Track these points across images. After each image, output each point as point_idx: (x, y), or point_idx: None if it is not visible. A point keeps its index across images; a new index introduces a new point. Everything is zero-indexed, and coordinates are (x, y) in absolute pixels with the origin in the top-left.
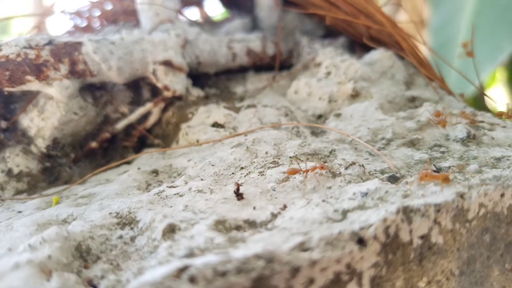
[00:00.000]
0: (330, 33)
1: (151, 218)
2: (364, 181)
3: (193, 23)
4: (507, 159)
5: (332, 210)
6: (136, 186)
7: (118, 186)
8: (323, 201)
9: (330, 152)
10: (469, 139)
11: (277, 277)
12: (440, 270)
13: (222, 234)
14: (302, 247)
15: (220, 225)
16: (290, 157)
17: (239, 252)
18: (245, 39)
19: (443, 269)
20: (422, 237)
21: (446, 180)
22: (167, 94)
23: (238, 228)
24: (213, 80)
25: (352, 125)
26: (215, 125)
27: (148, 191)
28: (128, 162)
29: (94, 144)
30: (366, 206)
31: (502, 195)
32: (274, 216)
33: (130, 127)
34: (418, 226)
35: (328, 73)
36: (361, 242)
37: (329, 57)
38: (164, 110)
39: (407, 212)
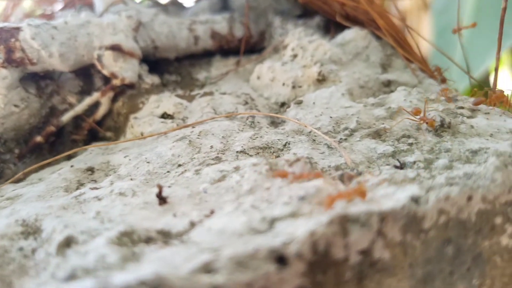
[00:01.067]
0: (306, 12)
1: (53, 227)
2: (310, 180)
3: (155, 4)
4: (485, 152)
5: (259, 218)
6: (64, 187)
7: (44, 187)
8: (252, 206)
9: (284, 145)
10: (443, 128)
11: None
12: None
13: (121, 250)
14: (207, 268)
15: (126, 237)
16: (237, 151)
17: (121, 278)
18: (209, 20)
19: None
20: (361, 252)
21: (362, 194)
22: (116, 82)
23: (148, 240)
24: (175, 66)
25: (313, 113)
26: (164, 115)
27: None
28: (71, 157)
29: (39, 139)
30: (299, 213)
31: (469, 198)
32: (193, 225)
33: (79, 119)
34: (356, 239)
35: (295, 56)
36: (281, 261)
37: (297, 38)
38: (114, 100)
39: (343, 223)
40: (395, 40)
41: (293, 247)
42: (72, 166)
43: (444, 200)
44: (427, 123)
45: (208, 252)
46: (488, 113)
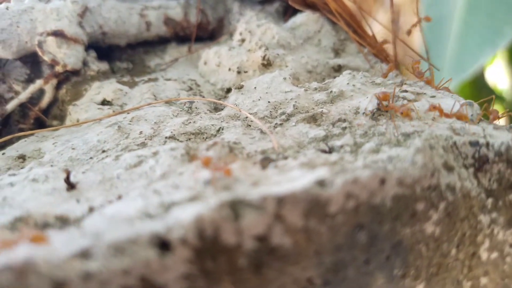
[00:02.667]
0: None
1: None
2: (226, 164)
3: None
4: (418, 135)
5: (157, 203)
6: None
7: None
8: (155, 191)
9: (218, 130)
10: (380, 111)
11: None
12: (290, 280)
13: (10, 235)
14: (84, 254)
15: (20, 223)
16: (166, 137)
17: None
18: (162, 5)
19: (295, 278)
20: (257, 238)
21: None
22: (58, 68)
23: (45, 226)
24: (128, 53)
25: (251, 98)
26: (104, 102)
27: None
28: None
29: None
30: (199, 197)
31: (382, 181)
32: (91, 210)
33: (26, 108)
34: (249, 224)
35: (243, 40)
36: (164, 246)
37: (246, 22)
38: (58, 87)
39: (235, 206)
40: (348, 24)
41: (177, 232)
42: (3, 153)
43: (352, 183)
44: (401, 113)
45: (89, 237)
46: (434, 96)
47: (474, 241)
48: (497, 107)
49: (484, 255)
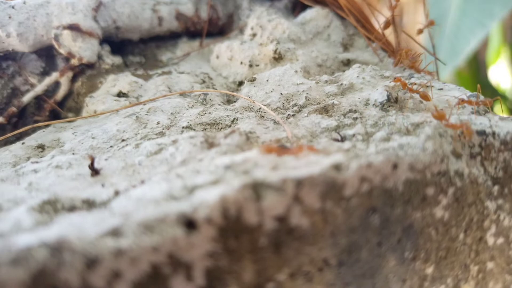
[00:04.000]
0: None
1: None
2: (244, 151)
3: None
4: (427, 125)
5: (181, 186)
6: (13, 163)
7: None
8: (178, 175)
9: (232, 121)
10: (389, 103)
11: (67, 270)
12: (307, 260)
13: (40, 216)
14: (114, 232)
15: (49, 205)
16: (183, 127)
17: (24, 239)
18: (174, 1)
19: (312, 258)
20: (277, 218)
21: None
22: (74, 61)
23: (72, 208)
24: (140, 48)
25: (264, 90)
26: (120, 94)
27: None
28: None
29: (1, 119)
30: (221, 181)
31: (395, 166)
32: (117, 194)
33: (41, 100)
34: (270, 204)
35: (254, 35)
36: (190, 225)
37: (257, 17)
38: (73, 80)
39: (256, 188)
40: (357, 20)
41: (202, 211)
42: (23, 143)
43: (366, 168)
44: (420, 95)
45: (118, 217)
46: (442, 89)
47: (481, 226)
48: (499, 106)
49: (490, 240)
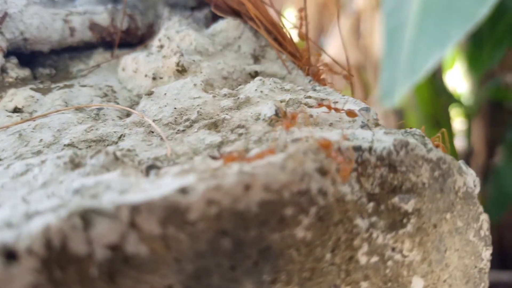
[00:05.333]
0: (201, 4)
1: None
2: (108, 172)
3: None
4: (306, 140)
5: (23, 212)
6: None
7: None
8: (24, 200)
9: (119, 137)
10: (277, 117)
11: None
12: None
13: None
14: None
15: None
16: (65, 145)
17: None
18: (88, 11)
19: (153, 286)
20: (110, 247)
21: None
22: None
23: None
24: (53, 59)
25: (158, 104)
26: (16, 109)
27: None
28: None
29: None
30: (64, 206)
31: (247, 187)
32: None
33: None
34: (101, 233)
35: (161, 46)
36: (11, 256)
37: (166, 28)
38: None
39: (86, 216)
40: (269, 31)
41: (23, 242)
42: None
43: (214, 190)
44: (292, 118)
45: None
46: (337, 102)
47: (350, 245)
48: (456, 111)
49: (363, 259)
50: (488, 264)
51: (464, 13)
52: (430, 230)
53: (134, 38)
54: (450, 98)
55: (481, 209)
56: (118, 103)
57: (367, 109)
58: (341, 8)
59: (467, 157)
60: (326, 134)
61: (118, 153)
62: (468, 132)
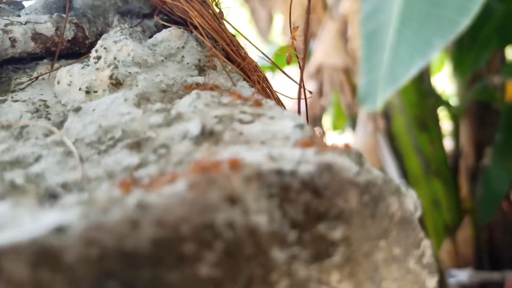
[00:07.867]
0: (155, 12)
1: None
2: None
3: None
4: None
5: None
6: None
7: None
8: None
9: (36, 159)
10: (204, 136)
11: None
12: None
13: None
14: None
15: None
16: None
17: None
18: (31, 20)
19: None
20: None
21: None
22: None
23: None
24: None
25: (83, 122)
26: None
27: None
28: None
29: None
30: None
31: (136, 224)
32: None
33: None
34: None
35: (98, 58)
36: None
37: (103, 38)
38: None
39: None
40: (215, 40)
41: None
42: None
43: (95, 229)
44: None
45: None
46: (273, 117)
47: (266, 281)
48: (444, 113)
49: None
50: None
51: (445, 22)
52: (362, 259)
53: (83, 47)
54: (438, 100)
55: (422, 234)
56: (50, 119)
57: (300, 126)
58: (329, 12)
59: (456, 158)
60: (249, 155)
61: (18, 180)
62: (457, 134)
